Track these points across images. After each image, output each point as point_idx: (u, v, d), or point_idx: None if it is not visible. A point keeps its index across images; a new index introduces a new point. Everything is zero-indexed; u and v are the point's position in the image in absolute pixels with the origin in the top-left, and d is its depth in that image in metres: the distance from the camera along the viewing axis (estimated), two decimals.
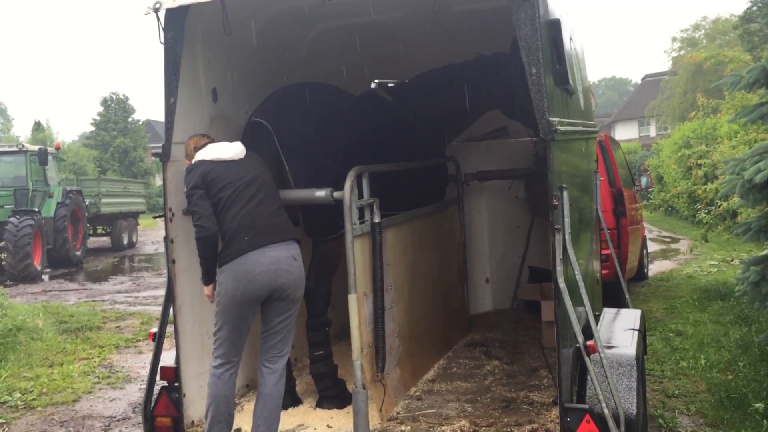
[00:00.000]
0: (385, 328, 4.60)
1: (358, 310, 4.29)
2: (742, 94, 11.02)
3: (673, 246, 17.37)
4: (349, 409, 4.68)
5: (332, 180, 4.47)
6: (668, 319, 8.91)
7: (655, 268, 13.40)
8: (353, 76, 6.12)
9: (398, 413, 4.68)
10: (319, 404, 4.82)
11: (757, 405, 5.44)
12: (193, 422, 4.55)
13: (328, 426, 4.52)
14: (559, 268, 3.78)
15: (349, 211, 4.29)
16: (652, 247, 16.03)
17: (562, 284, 3.76)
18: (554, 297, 3.83)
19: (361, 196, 4.49)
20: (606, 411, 3.69)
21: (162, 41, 4.33)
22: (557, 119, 3.99)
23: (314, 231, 4.77)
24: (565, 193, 3.87)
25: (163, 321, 4.54)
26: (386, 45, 5.88)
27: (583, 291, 4.04)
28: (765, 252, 8.33)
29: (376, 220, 4.56)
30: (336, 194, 4.42)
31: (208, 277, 4.20)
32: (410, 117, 5.82)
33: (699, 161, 12.68)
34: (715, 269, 12.67)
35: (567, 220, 3.87)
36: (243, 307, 4.08)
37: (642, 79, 60.41)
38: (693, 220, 19.59)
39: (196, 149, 4.34)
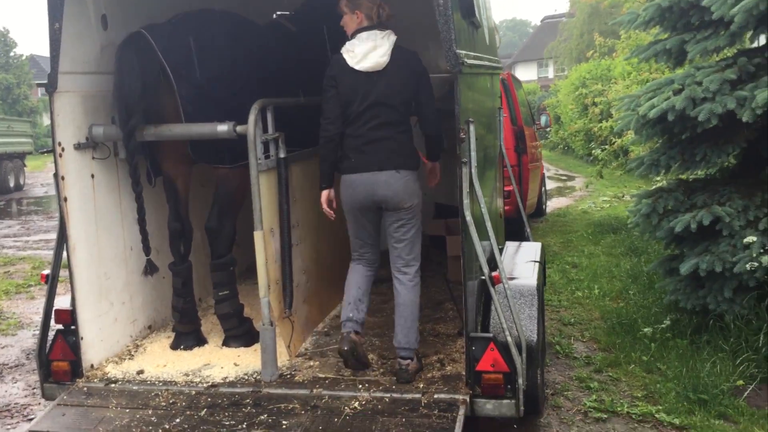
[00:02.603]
0: (293, 265, 4.54)
1: (264, 246, 4.20)
2: (636, 33, 11.37)
3: (569, 183, 18.04)
4: (256, 347, 4.64)
5: (227, 112, 4.31)
6: (565, 252, 9.29)
7: (552, 205, 13.91)
8: (255, 4, 5.86)
9: (306, 349, 4.68)
10: (226, 343, 4.75)
11: (645, 329, 5.77)
12: (92, 365, 4.39)
13: (235, 364, 4.46)
14: (466, 202, 3.82)
15: (254, 145, 4.15)
16: (549, 184, 16.58)
17: (468, 217, 3.80)
18: (461, 230, 3.87)
19: (265, 130, 4.35)
20: (509, 339, 3.81)
21: None
22: (464, 52, 3.97)
23: (204, 157, 4.56)
24: (472, 127, 3.89)
25: (56, 262, 4.31)
26: None
27: (488, 224, 4.11)
28: (656, 186, 8.75)
29: (282, 155, 4.44)
30: (239, 128, 4.26)
31: (324, 181, 4.30)
32: (311, 48, 5.62)
33: (596, 99, 13.10)
34: (608, 205, 13.27)
35: (473, 153, 3.89)
36: (355, 213, 4.24)
37: (541, 21, 61.49)
38: (588, 158, 20.38)
39: (352, 34, 4.14)
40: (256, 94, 4.36)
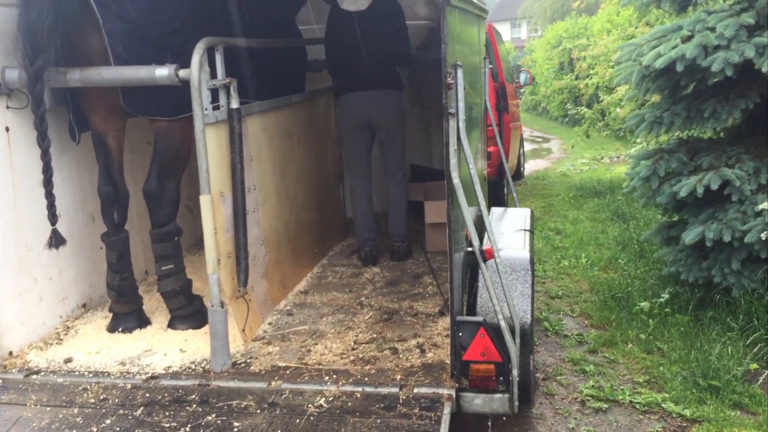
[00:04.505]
0: (248, 235, 3.88)
1: (212, 213, 3.54)
2: None
3: (545, 145, 17.49)
4: (207, 328, 4.01)
5: (167, 54, 3.62)
6: (547, 217, 8.75)
7: (529, 167, 13.36)
8: None
9: (265, 332, 4.06)
10: (171, 325, 4.11)
11: (642, 304, 5.25)
12: (11, 353, 3.74)
13: (182, 350, 3.83)
14: (453, 161, 3.19)
15: (199, 92, 3.46)
16: (525, 146, 16.00)
17: (456, 179, 3.19)
18: (447, 194, 3.26)
19: (214, 75, 3.66)
20: (502, 324, 3.23)
21: None
22: None
23: (139, 108, 3.84)
24: (460, 72, 3.25)
25: None
26: None
27: (477, 187, 3.51)
28: (637, 147, 8.22)
29: (234, 105, 3.75)
30: (182, 73, 3.57)
31: None
32: None
33: (582, 54, 12.46)
34: (587, 167, 12.76)
35: (461, 104, 3.26)
36: (352, 132, 5.17)
37: None
38: (563, 120, 19.84)
39: None
40: (202, 33, 3.66)
